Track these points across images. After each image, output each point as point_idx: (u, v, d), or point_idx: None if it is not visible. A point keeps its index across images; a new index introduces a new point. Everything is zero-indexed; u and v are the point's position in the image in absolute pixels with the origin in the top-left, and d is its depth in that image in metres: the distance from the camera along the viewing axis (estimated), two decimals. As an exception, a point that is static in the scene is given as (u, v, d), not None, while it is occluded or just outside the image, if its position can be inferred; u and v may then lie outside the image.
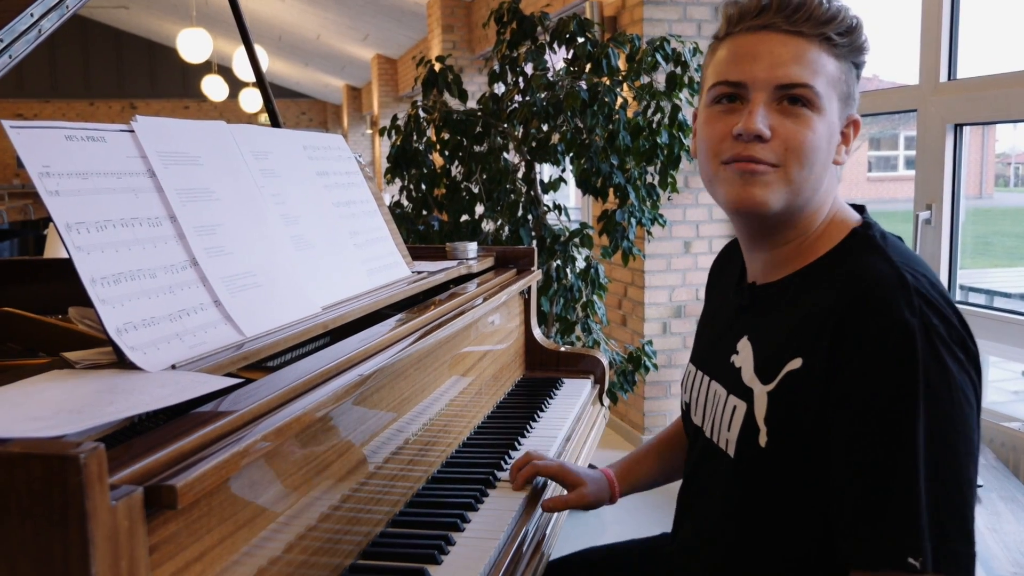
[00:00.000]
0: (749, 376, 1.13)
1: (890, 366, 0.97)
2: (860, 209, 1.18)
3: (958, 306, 1.04)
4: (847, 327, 1.00)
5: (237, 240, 1.26)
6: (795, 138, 1.07)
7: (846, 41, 1.09)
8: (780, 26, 1.07)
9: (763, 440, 1.09)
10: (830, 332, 1.01)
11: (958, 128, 2.90)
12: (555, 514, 1.49)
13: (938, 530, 0.94)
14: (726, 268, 1.35)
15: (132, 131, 1.17)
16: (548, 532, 1.42)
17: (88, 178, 1.05)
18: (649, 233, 3.62)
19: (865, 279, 1.03)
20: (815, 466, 1.04)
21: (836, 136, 1.12)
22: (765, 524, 1.11)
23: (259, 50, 2.22)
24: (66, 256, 0.99)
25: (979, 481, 1.96)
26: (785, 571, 1.10)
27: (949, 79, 2.91)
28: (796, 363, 1.05)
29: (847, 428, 0.99)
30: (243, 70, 9.15)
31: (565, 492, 1.47)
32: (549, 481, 1.51)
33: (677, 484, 1.40)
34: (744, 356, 1.16)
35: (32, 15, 1.24)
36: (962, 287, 3.17)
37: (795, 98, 1.07)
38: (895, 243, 1.10)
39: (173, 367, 1.02)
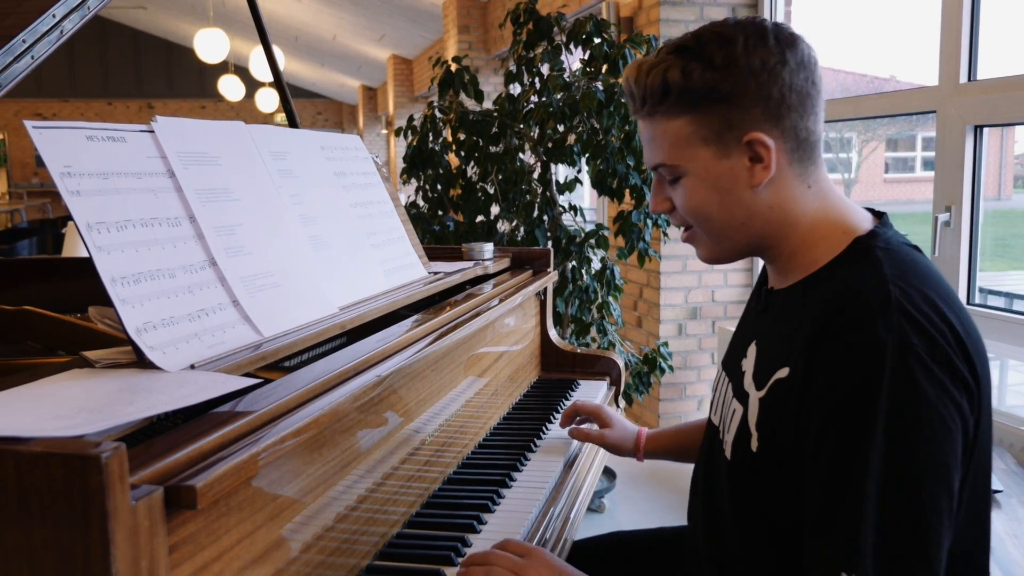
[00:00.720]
0: (748, 381, 1.14)
1: (853, 381, 0.96)
2: (881, 215, 1.16)
3: (965, 323, 1.01)
4: (823, 340, 0.99)
5: (255, 240, 1.26)
6: (681, 206, 1.15)
7: (671, 101, 1.09)
8: (635, 114, 1.17)
9: (754, 445, 1.09)
10: (811, 346, 1.01)
11: (978, 130, 2.88)
12: (572, 516, 1.49)
13: (887, 550, 0.93)
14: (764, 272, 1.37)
15: (152, 131, 1.17)
16: (565, 535, 1.42)
17: (109, 178, 1.06)
18: (665, 234, 3.61)
19: (846, 293, 1.02)
20: (798, 474, 1.03)
21: (733, 171, 1.09)
22: (758, 527, 1.11)
23: (276, 50, 2.23)
24: (85, 255, 0.99)
25: (999, 486, 1.94)
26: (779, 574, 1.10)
27: (969, 80, 2.88)
28: (784, 372, 1.05)
29: (812, 440, 0.99)
30: (260, 70, 9.19)
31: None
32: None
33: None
34: (749, 360, 1.17)
35: (54, 16, 1.25)
36: (981, 290, 3.15)
37: (665, 175, 1.15)
38: (900, 253, 1.06)
39: (192, 367, 1.02)
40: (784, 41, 1.07)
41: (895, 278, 1.01)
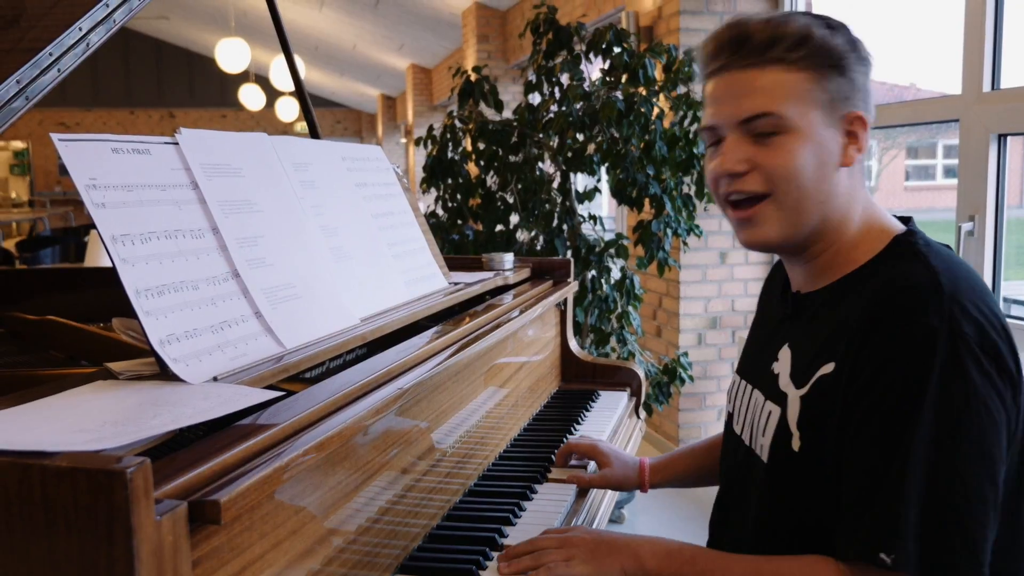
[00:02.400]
0: (785, 381, 1.14)
1: (904, 366, 0.97)
2: (906, 220, 1.17)
3: (1004, 320, 1.02)
4: (874, 329, 1.01)
5: (277, 251, 1.27)
6: (773, 165, 1.09)
7: (802, 53, 1.08)
8: (733, 65, 1.11)
9: (796, 444, 1.09)
10: (861, 336, 1.02)
11: (1002, 138, 2.85)
12: (595, 524, 1.49)
13: (929, 535, 0.94)
14: (776, 280, 1.36)
15: (176, 143, 1.18)
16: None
17: (133, 190, 1.06)
18: (685, 244, 3.60)
19: (897, 283, 1.03)
20: (839, 469, 1.04)
21: (830, 144, 1.10)
22: (798, 529, 1.11)
23: (297, 60, 2.23)
24: (107, 264, 1.00)
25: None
26: None
27: (993, 89, 2.86)
28: (829, 367, 1.06)
29: (856, 421, 1.00)
30: (280, 79, 9.24)
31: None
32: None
33: (710, 495, 1.39)
34: (783, 363, 1.17)
35: (81, 29, 1.26)
36: (1005, 299, 3.11)
37: (762, 128, 1.10)
38: (940, 250, 1.09)
39: (215, 379, 1.02)
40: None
41: (943, 270, 1.03)
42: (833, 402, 1.04)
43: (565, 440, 1.78)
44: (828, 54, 1.09)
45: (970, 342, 0.97)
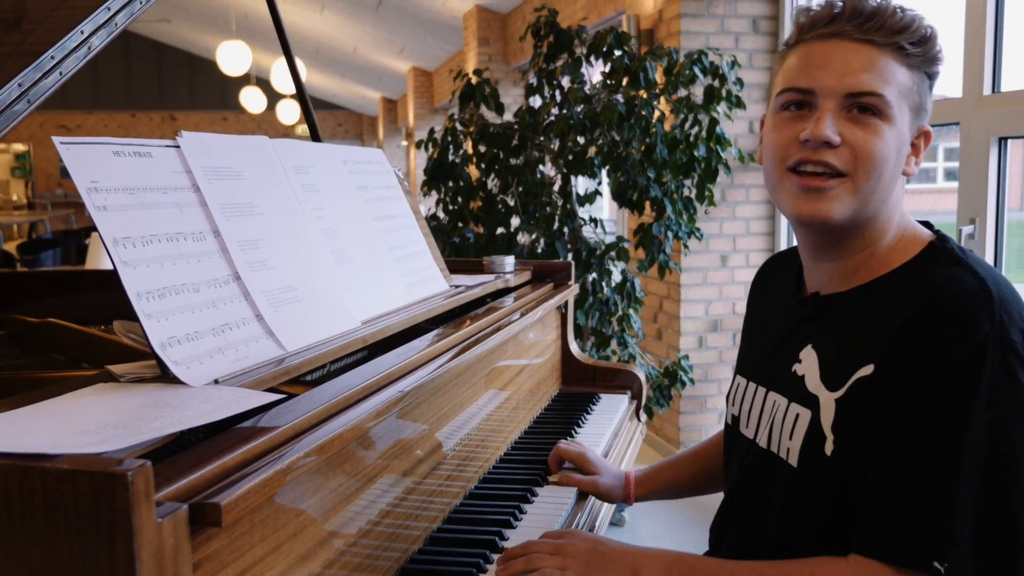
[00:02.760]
0: (815, 384, 1.12)
1: (954, 370, 0.97)
2: (928, 225, 1.18)
3: None
4: (923, 333, 1.00)
5: (279, 254, 1.27)
6: (864, 146, 1.06)
7: (919, 51, 1.08)
8: (851, 34, 1.07)
9: (829, 448, 1.08)
10: (907, 339, 1.01)
11: (1002, 141, 2.85)
12: (595, 529, 1.49)
13: (984, 543, 0.93)
14: (774, 280, 1.34)
15: (178, 146, 1.18)
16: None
17: (135, 193, 1.06)
18: (686, 247, 3.60)
19: (948, 288, 1.02)
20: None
21: (906, 147, 1.11)
22: (823, 532, 1.09)
23: (298, 63, 2.24)
24: (108, 267, 1.00)
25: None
26: None
27: (993, 92, 2.86)
28: (867, 370, 1.04)
29: (900, 423, 0.99)
30: (281, 82, 9.25)
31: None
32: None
33: (714, 500, 1.39)
34: (808, 364, 1.15)
35: (82, 32, 1.26)
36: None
37: (865, 107, 1.07)
38: (976, 257, 1.09)
39: (216, 382, 1.02)
40: None
41: (988, 277, 1.03)
42: (870, 404, 1.03)
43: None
44: (935, 63, 1.10)
45: (1018, 348, 0.97)
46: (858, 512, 1.04)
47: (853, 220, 1.10)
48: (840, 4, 1.09)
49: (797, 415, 1.13)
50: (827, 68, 1.07)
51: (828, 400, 1.09)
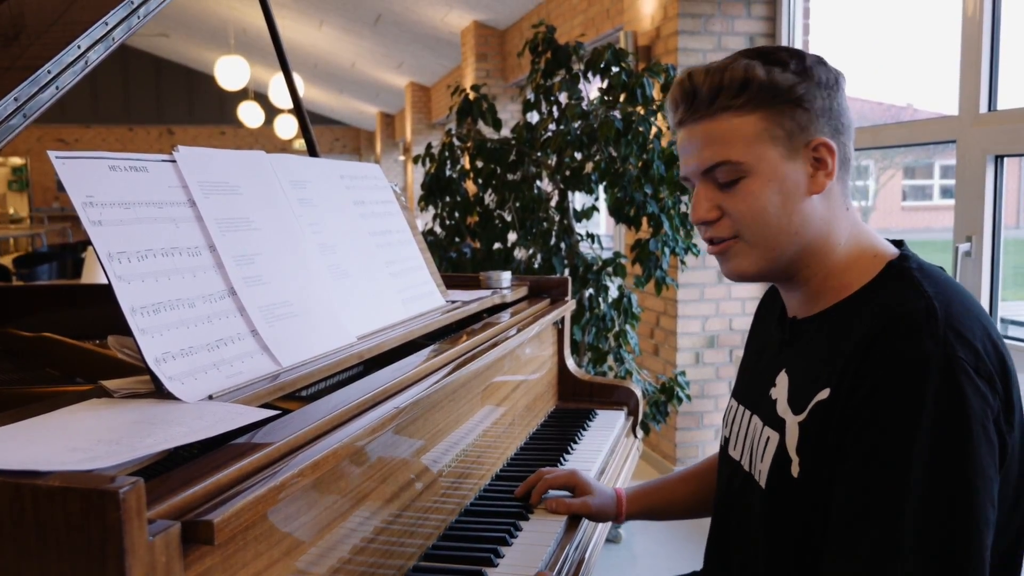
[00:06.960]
0: (783, 407, 1.14)
1: (896, 391, 0.97)
2: (898, 244, 1.17)
3: (1000, 343, 1.03)
4: (868, 355, 1.00)
5: (274, 269, 1.26)
6: (737, 210, 1.12)
7: (746, 97, 1.09)
8: (687, 120, 1.15)
9: (795, 470, 1.09)
10: (855, 362, 1.02)
11: (999, 159, 2.86)
12: (590, 548, 1.47)
13: (930, 558, 0.93)
14: (770, 305, 1.35)
15: (174, 161, 1.18)
16: (583, 568, 1.40)
17: (130, 208, 1.06)
18: (683, 262, 3.60)
19: (892, 309, 1.03)
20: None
21: (795, 176, 1.11)
22: (796, 555, 1.10)
23: (296, 78, 2.24)
24: (104, 281, 0.99)
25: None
26: None
27: (989, 110, 2.87)
28: (824, 393, 1.06)
29: (851, 447, 1.00)
30: (279, 97, 9.26)
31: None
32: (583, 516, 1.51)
33: (707, 518, 1.38)
34: (780, 388, 1.16)
35: (79, 47, 1.26)
36: (1003, 320, 3.11)
37: (723, 176, 1.12)
38: (934, 274, 1.09)
39: (210, 397, 1.02)
40: (835, 70, 1.14)
41: (937, 295, 1.03)
42: (828, 427, 1.04)
43: (562, 460, 1.77)
44: (774, 91, 1.09)
45: (966, 366, 0.97)
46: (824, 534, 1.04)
47: (771, 265, 1.14)
48: (671, 96, 1.17)
49: (768, 438, 1.15)
50: (684, 155, 1.17)
51: (792, 423, 1.10)
